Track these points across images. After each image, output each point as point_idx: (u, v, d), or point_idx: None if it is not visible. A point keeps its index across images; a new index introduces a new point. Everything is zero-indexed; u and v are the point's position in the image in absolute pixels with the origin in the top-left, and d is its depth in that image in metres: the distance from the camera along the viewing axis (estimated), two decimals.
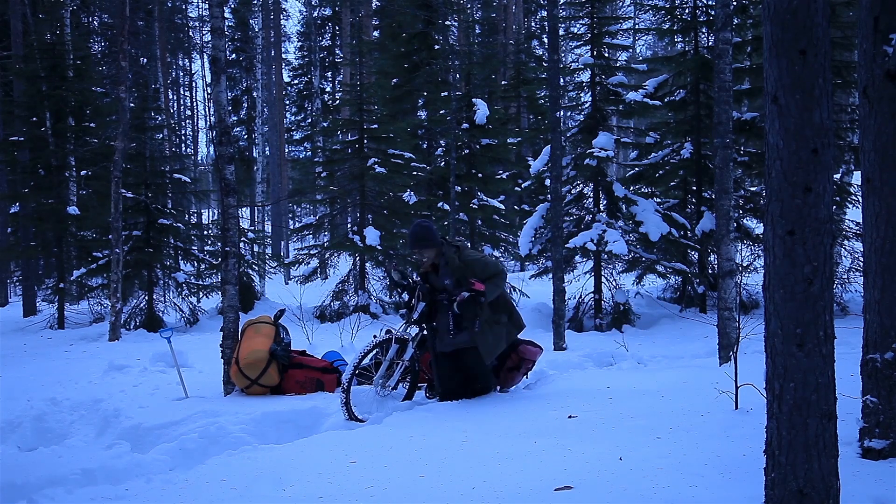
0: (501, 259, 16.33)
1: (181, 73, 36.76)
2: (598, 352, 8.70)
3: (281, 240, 26.68)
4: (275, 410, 5.88)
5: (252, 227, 28.14)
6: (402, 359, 5.76)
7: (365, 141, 14.08)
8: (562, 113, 12.96)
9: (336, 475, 4.12)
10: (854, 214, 10.43)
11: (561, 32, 12.07)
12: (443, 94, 16.18)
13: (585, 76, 12.89)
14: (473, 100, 13.88)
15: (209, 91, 34.11)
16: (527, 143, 20.26)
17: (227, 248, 6.71)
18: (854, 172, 12.31)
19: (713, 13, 10.10)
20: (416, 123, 17.11)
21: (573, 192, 12.72)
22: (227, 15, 30.62)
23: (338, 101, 24.60)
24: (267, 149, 25.30)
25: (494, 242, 14.69)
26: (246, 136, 32.34)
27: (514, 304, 6.11)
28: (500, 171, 16.57)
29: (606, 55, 12.86)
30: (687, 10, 12.69)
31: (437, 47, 17.63)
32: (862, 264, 3.92)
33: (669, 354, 8.66)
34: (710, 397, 4.97)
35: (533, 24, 31.60)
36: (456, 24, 17.71)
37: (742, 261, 12.23)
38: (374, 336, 5.95)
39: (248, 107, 32.80)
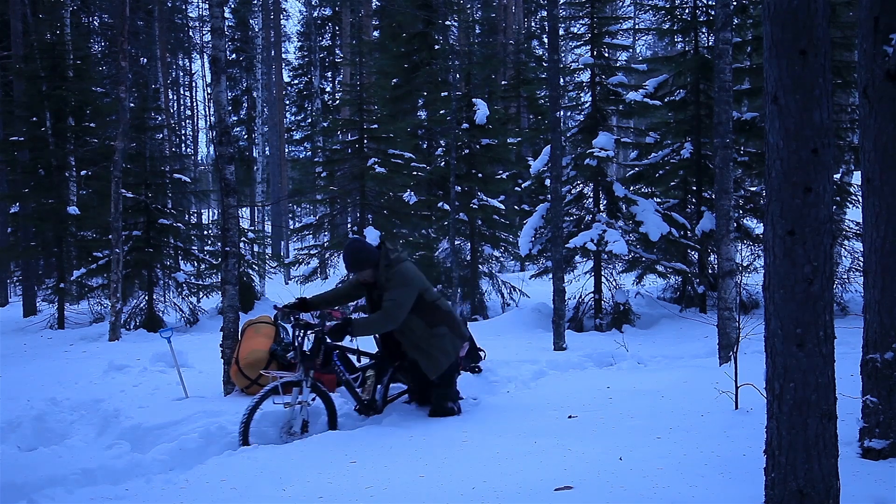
0: (501, 259, 16.33)
1: (181, 73, 36.79)
2: (598, 352, 8.70)
3: (281, 240, 26.68)
4: (275, 410, 5.87)
5: (252, 227, 28.13)
6: (303, 399, 5.32)
7: (365, 141, 14.09)
8: (562, 113, 12.95)
9: (336, 475, 4.12)
10: (854, 214, 10.42)
11: (561, 32, 12.06)
12: (443, 94, 16.17)
13: (585, 76, 12.87)
14: (473, 100, 13.87)
15: (209, 91, 34.11)
16: (527, 143, 20.25)
17: (227, 248, 6.71)
18: (854, 172, 12.30)
19: (713, 13, 10.09)
20: (416, 123, 17.11)
21: (573, 192, 12.71)
22: (227, 15, 30.62)
23: (338, 101, 24.63)
24: (267, 149, 25.31)
25: (494, 242, 14.68)
26: (246, 136, 32.36)
27: (453, 314, 5.62)
28: (500, 171, 16.56)
29: (606, 55, 12.84)
30: (687, 10, 12.68)
31: (437, 47, 17.63)
32: (862, 264, 3.92)
33: (669, 354, 8.65)
34: (710, 397, 4.97)
35: (533, 24, 31.61)
36: (456, 24, 17.70)
37: (742, 261, 12.21)
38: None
39: (248, 107, 32.83)
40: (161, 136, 19.30)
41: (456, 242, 13.08)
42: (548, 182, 11.22)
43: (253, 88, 29.02)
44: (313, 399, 5.41)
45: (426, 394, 5.56)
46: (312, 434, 5.24)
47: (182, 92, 37.56)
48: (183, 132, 36.31)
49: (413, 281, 5.34)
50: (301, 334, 5.39)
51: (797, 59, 2.70)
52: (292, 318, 5.44)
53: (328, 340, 5.32)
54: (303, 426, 5.34)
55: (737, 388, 4.75)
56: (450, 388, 5.47)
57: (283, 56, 32.16)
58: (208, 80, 37.41)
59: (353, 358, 6.04)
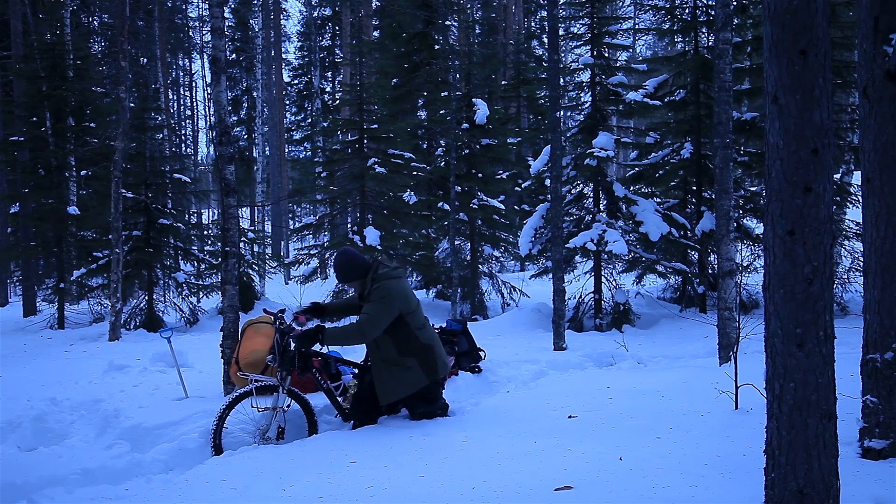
0: (501, 259, 16.32)
1: (181, 73, 36.79)
2: (598, 352, 8.71)
3: (281, 240, 26.70)
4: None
5: (252, 227, 28.15)
6: (278, 405, 5.30)
7: (365, 141, 14.09)
8: (562, 113, 12.94)
9: (336, 475, 4.12)
10: (854, 214, 10.43)
11: (561, 32, 12.05)
12: (443, 94, 16.17)
13: (585, 76, 12.88)
14: (473, 100, 13.87)
15: (209, 91, 34.13)
16: (527, 143, 20.25)
17: (227, 248, 6.71)
18: (854, 172, 12.30)
19: (713, 13, 10.09)
20: (416, 123, 17.11)
21: (573, 192, 12.70)
22: (227, 15, 30.64)
23: (338, 101, 24.62)
24: (267, 149, 25.32)
25: (494, 242, 14.68)
26: (246, 136, 32.38)
27: (434, 348, 5.31)
28: (500, 171, 16.56)
29: (606, 55, 12.84)
30: (687, 10, 12.68)
31: (437, 47, 17.62)
32: (862, 264, 3.92)
33: (669, 354, 8.66)
34: (710, 397, 4.97)
35: (533, 24, 31.60)
36: (456, 24, 17.71)
37: (742, 261, 12.22)
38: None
39: (248, 107, 32.85)
40: (161, 136, 19.29)
41: (456, 242, 13.08)
42: (548, 182, 11.22)
43: (253, 88, 29.03)
44: (288, 405, 5.39)
45: (408, 406, 5.37)
46: (289, 440, 5.22)
47: (182, 92, 37.58)
48: (183, 132, 36.33)
49: (393, 299, 5.11)
50: (281, 339, 5.33)
51: (797, 59, 2.70)
52: (277, 324, 5.40)
53: (295, 345, 5.24)
54: (279, 432, 5.29)
55: (737, 388, 4.75)
56: (433, 405, 5.33)
57: (283, 56, 32.20)
58: (208, 80, 37.47)
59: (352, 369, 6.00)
